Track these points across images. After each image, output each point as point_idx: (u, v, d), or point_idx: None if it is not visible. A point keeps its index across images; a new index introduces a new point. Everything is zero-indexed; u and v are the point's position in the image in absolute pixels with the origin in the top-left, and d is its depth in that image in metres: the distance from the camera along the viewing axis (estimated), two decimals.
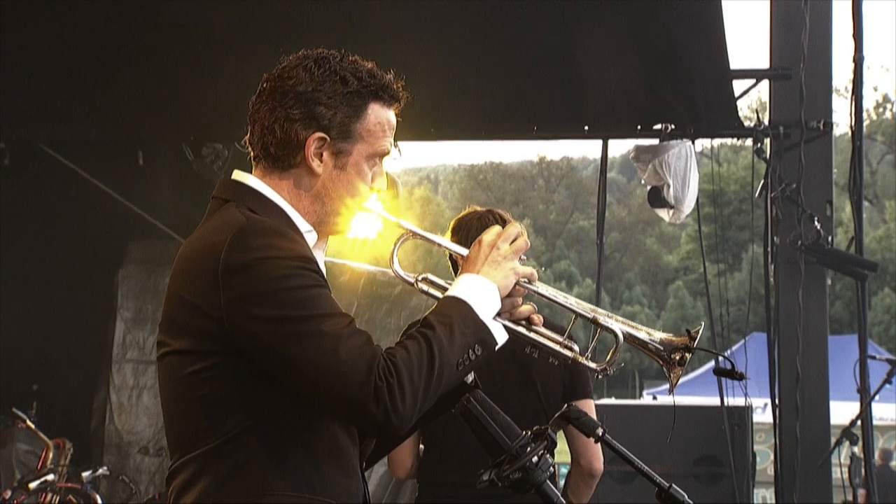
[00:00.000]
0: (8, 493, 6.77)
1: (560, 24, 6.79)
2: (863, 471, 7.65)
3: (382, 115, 2.82)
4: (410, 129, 8.39)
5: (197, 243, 2.73)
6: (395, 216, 2.92)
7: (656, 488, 2.55)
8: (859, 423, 7.77)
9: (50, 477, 6.73)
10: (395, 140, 2.85)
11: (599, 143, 8.59)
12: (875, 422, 9.67)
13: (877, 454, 13.48)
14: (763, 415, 10.69)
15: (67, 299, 8.83)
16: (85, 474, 6.98)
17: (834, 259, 7.66)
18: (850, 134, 8.01)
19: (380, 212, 2.89)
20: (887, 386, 8.26)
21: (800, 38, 7.50)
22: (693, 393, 17.68)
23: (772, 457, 8.62)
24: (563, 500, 2.36)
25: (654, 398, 13.10)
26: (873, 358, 8.34)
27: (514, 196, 54.79)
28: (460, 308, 2.70)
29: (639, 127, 7.91)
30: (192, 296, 2.65)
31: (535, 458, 2.34)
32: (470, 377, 2.81)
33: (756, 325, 11.51)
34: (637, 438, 7.09)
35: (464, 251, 2.89)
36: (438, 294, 2.86)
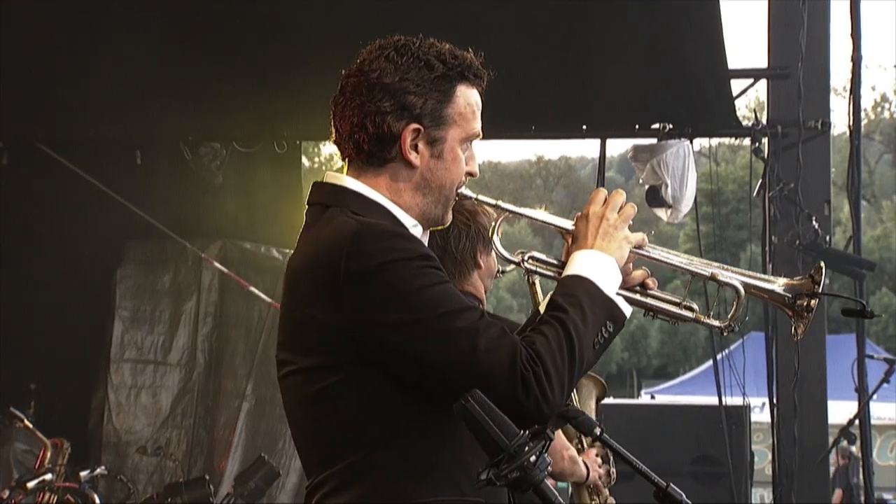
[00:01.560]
0: (6, 493, 6.76)
1: (559, 24, 6.80)
2: (860, 469, 7.65)
3: (471, 97, 2.73)
4: None
5: (309, 255, 2.64)
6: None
7: (654, 487, 2.54)
8: (857, 422, 7.78)
9: (48, 476, 6.72)
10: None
11: (597, 142, 8.60)
12: (873, 421, 9.68)
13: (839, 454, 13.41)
14: (761, 414, 10.69)
15: (65, 299, 8.82)
16: (83, 474, 6.97)
17: (832, 258, 7.66)
18: (847, 133, 8.03)
19: (477, 197, 2.81)
20: (885, 385, 8.29)
21: (798, 37, 7.50)
22: (691, 392, 17.71)
23: (770, 456, 8.62)
24: (560, 499, 2.36)
25: (653, 397, 13.12)
26: (871, 357, 8.36)
27: (512, 195, 54.71)
28: (585, 286, 2.64)
29: (637, 126, 7.91)
30: (313, 310, 2.56)
31: (532, 458, 2.34)
32: None
33: (754, 325, 11.48)
34: (635, 437, 7.12)
35: (567, 224, 2.81)
36: (547, 272, 2.83)
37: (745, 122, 7.96)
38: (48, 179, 8.58)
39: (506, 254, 2.88)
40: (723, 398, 7.96)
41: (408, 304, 2.49)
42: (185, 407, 8.88)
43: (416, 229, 2.71)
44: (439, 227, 2.83)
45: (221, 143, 8.80)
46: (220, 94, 7.54)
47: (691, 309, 2.79)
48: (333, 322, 2.52)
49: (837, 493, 10.95)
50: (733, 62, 7.25)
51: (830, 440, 7.75)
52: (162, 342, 8.98)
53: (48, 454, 7.30)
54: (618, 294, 2.68)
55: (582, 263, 2.68)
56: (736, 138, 8.40)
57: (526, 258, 2.85)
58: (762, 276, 2.81)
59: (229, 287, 9.04)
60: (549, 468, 2.38)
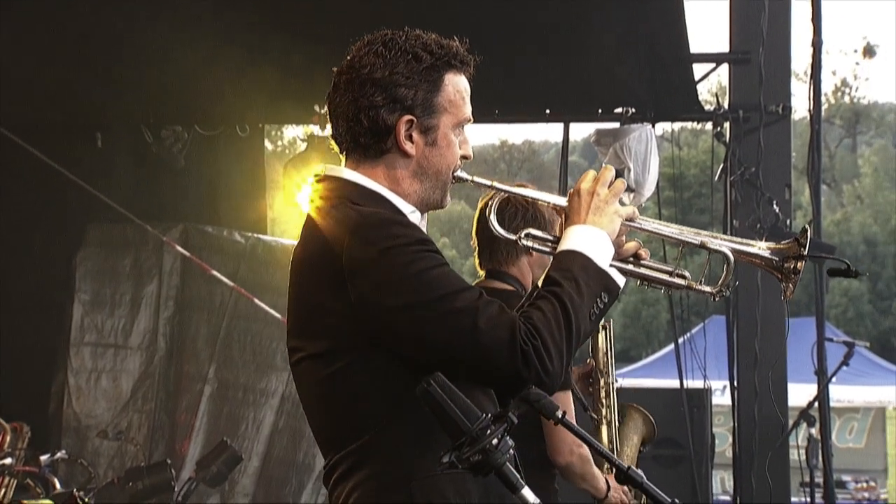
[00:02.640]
0: None
1: (520, 8, 6.78)
2: (819, 452, 7.72)
3: (459, 83, 2.88)
4: None
5: (312, 245, 2.77)
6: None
7: (615, 469, 2.56)
8: (817, 404, 7.84)
9: (7, 461, 6.66)
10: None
11: (561, 126, 8.61)
12: (832, 403, 9.76)
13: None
14: (722, 397, 10.74)
15: (25, 282, 8.75)
16: (43, 458, 6.92)
17: None
18: (808, 118, 8.06)
19: (473, 179, 2.93)
20: (844, 368, 8.34)
21: (759, 22, 7.53)
22: (653, 376, 17.81)
23: (730, 439, 8.68)
24: (522, 482, 2.37)
25: (616, 381, 13.18)
26: (830, 340, 8.42)
27: None
28: (579, 260, 2.76)
29: (600, 110, 7.93)
30: (320, 297, 2.70)
31: (494, 441, 2.34)
32: None
33: (715, 309, 11.57)
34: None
35: (562, 201, 2.93)
36: (543, 247, 2.95)
37: (707, 107, 7.99)
38: (7, 162, 8.50)
39: (503, 231, 3.00)
40: (684, 381, 8.00)
41: (409, 287, 2.61)
42: (147, 391, 8.83)
43: (414, 215, 2.83)
44: (440, 209, 2.95)
45: (183, 127, 8.75)
46: (182, 77, 7.48)
47: (683, 276, 2.90)
48: (339, 308, 2.65)
49: None
50: (695, 46, 7.28)
51: (790, 423, 7.80)
52: (123, 325, 8.92)
53: (7, 438, 7.24)
54: (611, 266, 2.81)
55: (575, 238, 2.81)
56: (698, 123, 8.45)
57: (522, 235, 2.97)
58: (750, 241, 2.92)
59: (191, 270, 8.99)
60: (512, 451, 2.39)
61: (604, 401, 4.56)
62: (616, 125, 7.79)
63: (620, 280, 2.82)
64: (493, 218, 3.01)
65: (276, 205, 9.61)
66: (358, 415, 2.70)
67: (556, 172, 9.18)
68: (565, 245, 2.82)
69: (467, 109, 2.89)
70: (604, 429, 4.54)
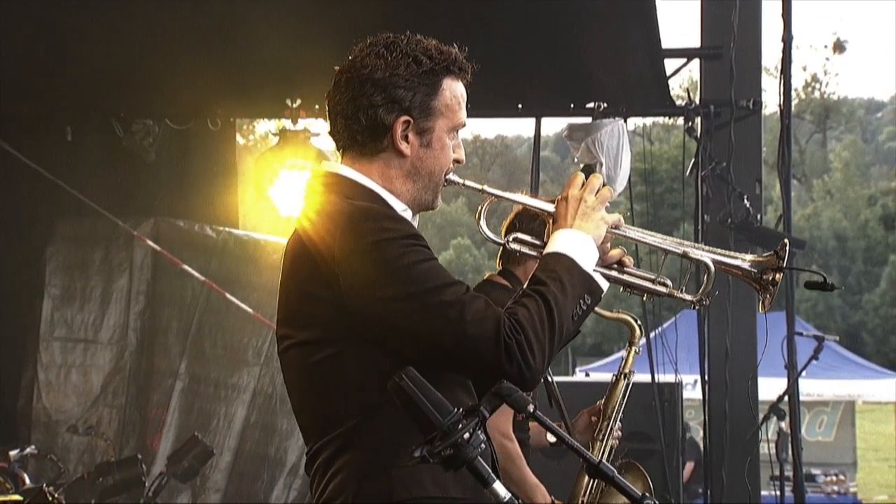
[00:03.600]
0: None
1: (493, 4, 6.78)
2: (789, 445, 7.77)
3: (456, 89, 2.95)
4: None
5: (304, 236, 2.83)
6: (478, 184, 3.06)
7: (586, 463, 2.56)
8: (787, 398, 7.88)
9: None
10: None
11: (533, 121, 8.62)
12: (802, 397, 9.83)
13: None
14: (693, 391, 10.82)
15: None
16: (12, 453, 6.90)
17: (762, 237, 7.74)
18: (778, 113, 8.10)
19: (464, 182, 3.02)
20: (814, 362, 8.40)
21: (730, 18, 7.55)
22: None
23: (701, 433, 8.72)
24: (493, 476, 2.37)
25: (587, 375, 13.20)
26: (800, 334, 8.46)
27: None
28: (564, 262, 2.86)
29: (572, 105, 7.93)
30: (311, 286, 2.77)
31: (466, 435, 2.35)
32: None
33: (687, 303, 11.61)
34: (570, 414, 7.16)
35: (550, 207, 3.02)
36: (530, 251, 3.05)
37: (678, 102, 8.01)
38: None
39: (491, 235, 3.11)
40: (656, 375, 8.03)
41: (398, 279, 2.70)
42: (117, 386, 8.79)
43: (405, 213, 2.94)
44: (431, 210, 3.04)
45: (154, 120, 8.70)
46: (153, 70, 7.44)
47: (665, 284, 3.01)
48: (329, 298, 2.73)
49: (689, 466, 11.08)
50: (667, 42, 7.29)
51: (761, 416, 7.84)
52: (93, 320, 8.87)
53: None
54: (595, 270, 2.90)
55: (562, 242, 2.91)
56: (669, 118, 8.47)
57: (510, 239, 3.09)
58: (730, 252, 3.03)
59: (162, 265, 8.94)
60: (484, 445, 2.39)
61: (598, 443, 4.58)
62: (588, 120, 7.81)
63: (604, 284, 2.91)
64: (482, 222, 3.09)
65: (248, 199, 9.58)
66: (343, 403, 2.77)
67: (528, 167, 9.19)
68: (551, 248, 2.91)
69: (463, 115, 2.97)
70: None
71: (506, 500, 2.37)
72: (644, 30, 6.95)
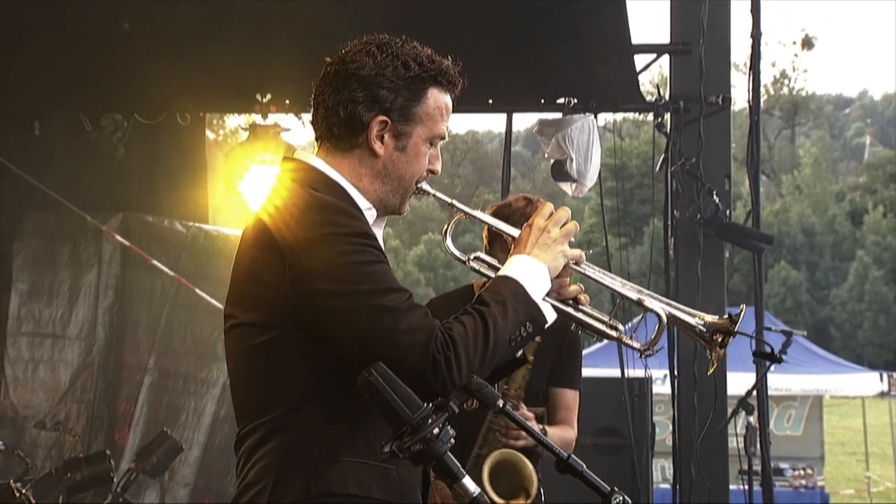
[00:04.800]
0: None
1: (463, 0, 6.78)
2: (757, 440, 7.80)
3: (441, 100, 2.97)
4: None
5: (262, 221, 2.83)
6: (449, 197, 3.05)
7: (555, 459, 2.57)
8: (755, 393, 7.92)
9: None
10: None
11: (504, 116, 8.62)
12: (770, 392, 9.88)
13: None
14: (662, 386, 10.85)
15: None
16: None
17: (731, 232, 7.78)
18: (748, 109, 8.13)
19: (435, 193, 3.03)
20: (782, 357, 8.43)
21: (699, 14, 7.58)
22: (595, 365, 17.88)
23: (670, 428, 8.75)
24: (462, 471, 2.38)
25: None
26: (769, 329, 8.51)
27: None
28: (512, 286, 2.83)
29: (542, 101, 7.94)
30: (259, 271, 2.78)
31: (436, 430, 2.36)
32: (520, 352, 2.92)
33: None
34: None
35: (515, 232, 3.01)
36: (489, 272, 3.03)
37: (648, 98, 8.03)
38: None
39: (455, 252, 3.10)
40: (625, 371, 8.05)
41: (342, 275, 2.70)
42: (85, 381, 8.74)
43: (370, 212, 2.91)
44: (397, 215, 3.03)
45: (123, 115, 8.66)
46: (122, 64, 7.40)
47: (615, 329, 3.02)
48: (274, 284, 2.73)
49: None
50: (637, 38, 7.31)
51: (729, 411, 7.88)
52: (61, 315, 8.82)
53: None
54: (546, 300, 2.89)
55: (515, 266, 2.89)
56: (639, 114, 8.51)
57: (471, 258, 3.09)
58: (687, 309, 3.03)
59: (131, 260, 8.90)
60: (453, 440, 2.40)
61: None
62: (559, 116, 7.82)
63: (550, 315, 2.88)
64: (448, 240, 3.10)
65: (218, 194, 9.55)
66: (276, 389, 2.78)
67: (499, 162, 9.19)
68: (503, 271, 2.90)
69: (444, 127, 2.98)
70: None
71: (475, 495, 2.38)
72: (614, 26, 6.96)
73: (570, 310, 2.98)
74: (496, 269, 3.01)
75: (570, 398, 4.72)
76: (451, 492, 4.27)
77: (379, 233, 2.97)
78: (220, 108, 9.71)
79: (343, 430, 2.75)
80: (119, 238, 8.78)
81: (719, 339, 2.97)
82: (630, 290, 3.01)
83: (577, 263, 2.97)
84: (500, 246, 4.32)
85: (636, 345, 3.01)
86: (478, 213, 3.13)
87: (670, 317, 2.98)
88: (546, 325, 2.87)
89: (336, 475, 2.73)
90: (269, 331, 2.76)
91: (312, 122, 3.00)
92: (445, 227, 3.12)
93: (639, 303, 2.99)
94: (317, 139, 2.99)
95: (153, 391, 8.73)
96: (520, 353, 2.93)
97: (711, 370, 3.09)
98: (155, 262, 8.69)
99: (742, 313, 2.97)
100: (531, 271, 2.87)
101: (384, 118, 2.87)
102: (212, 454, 8.58)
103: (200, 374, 8.73)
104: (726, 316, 2.98)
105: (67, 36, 7.13)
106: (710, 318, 2.99)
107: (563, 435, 4.56)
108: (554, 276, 2.91)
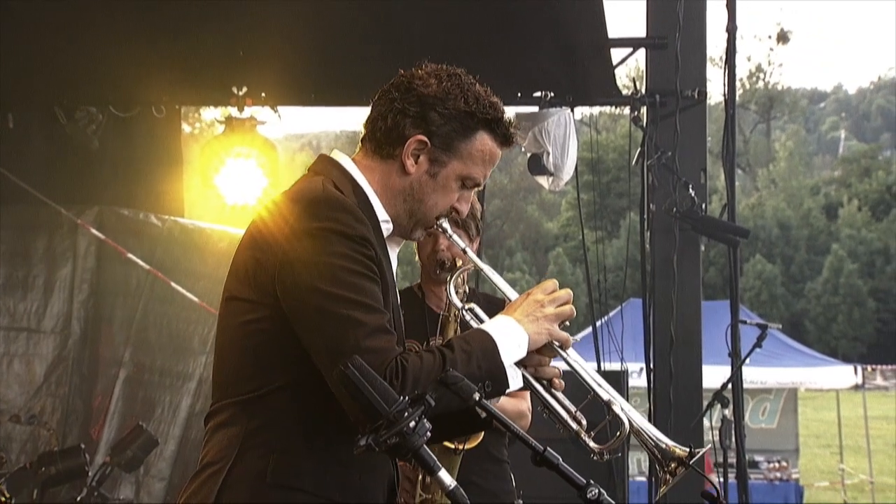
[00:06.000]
0: None
1: None
2: (732, 433, 7.84)
3: (488, 146, 2.96)
4: (291, 93, 8.32)
5: (276, 205, 2.86)
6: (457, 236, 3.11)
7: (531, 452, 2.58)
8: (730, 386, 7.95)
9: None
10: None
11: None
12: (745, 385, 9.93)
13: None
14: (639, 379, 10.88)
15: None
16: None
17: (707, 226, 7.80)
18: (723, 103, 8.15)
19: (452, 235, 3.07)
20: (757, 350, 8.48)
21: (675, 7, 7.59)
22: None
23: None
24: (439, 465, 2.38)
25: None
26: (744, 322, 8.54)
27: None
28: (485, 342, 2.81)
29: (519, 94, 7.94)
30: (259, 251, 2.81)
31: (412, 424, 2.36)
32: (483, 413, 2.77)
33: (633, 292, 11.71)
34: None
35: (514, 296, 3.00)
36: (478, 325, 2.99)
37: (624, 91, 8.04)
38: None
39: (455, 300, 3.13)
40: (601, 364, 8.07)
41: (325, 274, 2.70)
42: (60, 375, 8.70)
43: (386, 225, 2.94)
44: (407, 240, 3.08)
45: (97, 108, 8.61)
46: (96, 56, 7.36)
47: (579, 423, 2.96)
48: (269, 266, 2.76)
49: None
50: (613, 31, 7.32)
51: (705, 404, 7.91)
52: (36, 309, 8.77)
53: None
54: (517, 368, 2.85)
55: (496, 325, 2.90)
56: (616, 107, 8.50)
57: (466, 308, 3.09)
58: (651, 428, 2.93)
59: (106, 254, 8.86)
60: (429, 434, 2.40)
61: None
62: (535, 109, 7.82)
63: (514, 383, 2.85)
64: (451, 287, 3.13)
65: (194, 187, 9.51)
66: (253, 369, 2.80)
67: None
68: (484, 325, 2.91)
69: (481, 172, 2.98)
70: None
71: (451, 487, 2.38)
72: (591, 19, 6.97)
73: (540, 388, 2.94)
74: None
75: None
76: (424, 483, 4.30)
77: (393, 253, 2.98)
78: (196, 100, 9.63)
79: (308, 423, 2.75)
80: (94, 231, 8.74)
81: (672, 467, 2.89)
82: (602, 391, 2.96)
83: (562, 347, 2.94)
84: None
85: (592, 444, 2.92)
86: (487, 269, 3.13)
87: (633, 428, 2.91)
88: (507, 391, 2.85)
89: (293, 468, 2.74)
90: (258, 310, 2.79)
91: (364, 123, 3.01)
92: (452, 275, 3.16)
93: (607, 405, 2.94)
94: (361, 140, 3.01)
95: (128, 385, 8.70)
96: (484, 415, 2.82)
97: (657, 498, 3.07)
98: (130, 256, 8.65)
99: (702, 452, 2.90)
100: (510, 334, 2.85)
101: (424, 139, 2.89)
102: (187, 448, 8.55)
103: (176, 368, 8.70)
104: (687, 448, 2.89)
105: (41, 28, 7.09)
106: (671, 443, 2.90)
107: (517, 405, 4.63)
108: (534, 348, 2.88)
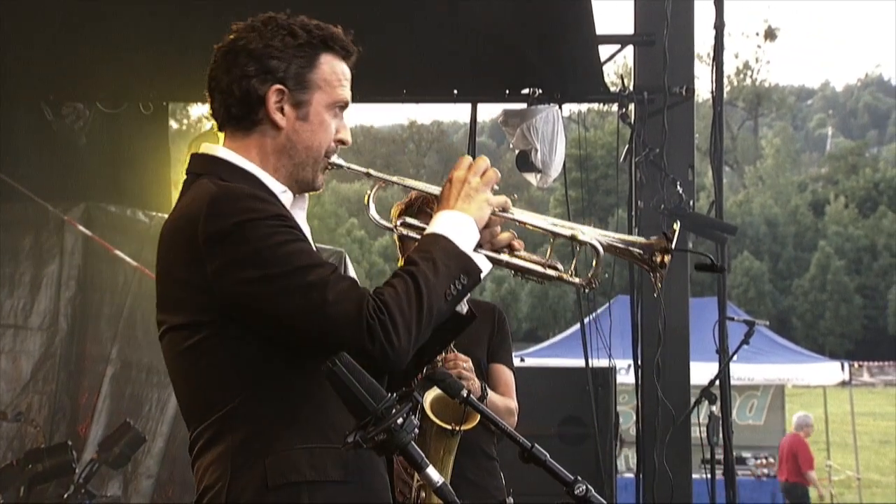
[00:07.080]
0: None
1: None
2: (720, 429, 7.85)
3: (336, 66, 2.90)
4: None
5: (175, 220, 2.81)
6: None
7: (519, 448, 2.58)
8: (718, 382, 7.96)
9: None
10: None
11: (469, 107, 8.61)
12: (733, 381, 9.93)
13: None
14: (626, 376, 10.90)
15: None
16: None
17: (695, 223, 7.81)
18: (711, 100, 8.16)
19: (348, 165, 2.96)
20: (745, 347, 8.48)
21: (663, 4, 7.60)
22: (559, 355, 17.96)
23: (634, 417, 8.79)
24: (427, 461, 2.38)
25: (522, 360, 13.27)
26: (732, 319, 8.54)
27: (385, 160, 54.74)
28: (440, 242, 2.79)
29: (507, 91, 7.94)
30: (179, 271, 2.73)
31: (399, 420, 2.35)
32: (464, 308, 2.92)
33: (621, 288, 11.69)
34: None
35: (436, 190, 2.95)
36: (417, 235, 2.96)
37: (612, 88, 8.04)
38: None
39: (380, 220, 3.04)
40: (589, 360, 8.08)
41: (262, 261, 2.65)
42: (47, 372, 8.68)
43: (285, 195, 2.86)
44: (312, 191, 2.95)
45: (84, 104, 8.58)
46: (83, 52, 7.33)
47: (555, 268, 2.95)
48: (196, 281, 2.68)
49: None
50: (601, 28, 7.32)
51: (692, 401, 7.92)
52: (23, 306, 8.75)
53: None
54: (479, 252, 2.84)
55: (440, 222, 2.84)
56: (604, 104, 8.51)
57: (398, 224, 3.04)
58: (620, 236, 2.96)
59: (93, 250, 8.84)
60: (417, 430, 2.40)
61: None
62: (523, 106, 7.82)
63: (484, 265, 2.84)
64: (371, 207, 3.03)
65: (181, 184, 9.47)
66: (216, 388, 2.74)
67: (465, 152, 9.13)
68: (430, 229, 2.85)
69: (344, 92, 2.91)
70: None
71: (438, 484, 2.38)
72: (579, 16, 6.97)
73: (504, 257, 2.93)
74: (423, 230, 2.94)
75: (508, 376, 4.86)
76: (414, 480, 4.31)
77: (301, 214, 2.91)
78: (184, 97, 9.63)
79: (289, 421, 2.72)
80: (81, 228, 8.72)
81: (659, 260, 2.89)
82: (562, 228, 2.95)
83: (503, 210, 2.92)
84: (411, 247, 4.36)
85: (577, 280, 2.92)
86: (395, 178, 3.04)
87: (607, 246, 2.92)
88: (483, 275, 2.83)
89: (289, 464, 2.70)
90: (199, 331, 2.72)
91: (211, 113, 2.95)
92: (367, 195, 3.05)
93: (572, 238, 2.93)
94: (220, 128, 2.93)
95: (116, 382, 8.68)
96: (465, 310, 2.92)
97: (657, 292, 3.04)
98: (117, 252, 8.63)
99: (677, 230, 2.92)
100: (457, 224, 2.82)
101: (280, 87, 2.83)
102: (175, 445, 8.54)
103: (163, 365, 8.64)
104: (661, 235, 2.92)
105: (28, 24, 7.06)
106: (644, 240, 2.93)
107: (506, 402, 4.69)
108: (482, 226, 2.87)
